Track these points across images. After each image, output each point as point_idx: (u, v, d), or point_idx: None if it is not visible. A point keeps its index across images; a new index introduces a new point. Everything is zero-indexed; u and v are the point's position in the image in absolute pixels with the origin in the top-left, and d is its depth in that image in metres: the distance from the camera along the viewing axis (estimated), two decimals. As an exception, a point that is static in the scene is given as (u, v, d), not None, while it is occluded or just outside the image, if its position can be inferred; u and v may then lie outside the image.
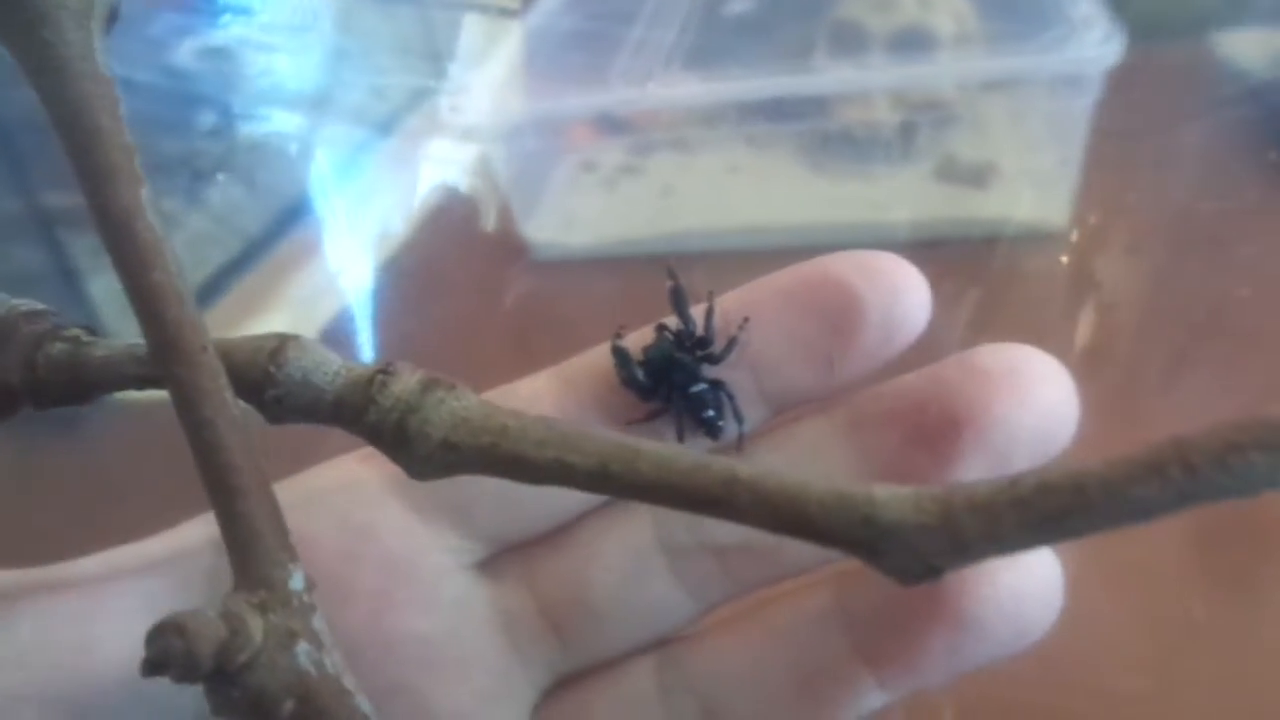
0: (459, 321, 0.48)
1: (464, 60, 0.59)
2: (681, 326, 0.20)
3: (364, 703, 0.13)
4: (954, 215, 0.49)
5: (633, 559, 0.21)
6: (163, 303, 0.13)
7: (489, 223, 0.55)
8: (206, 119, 0.58)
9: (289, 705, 0.13)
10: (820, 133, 0.50)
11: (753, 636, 0.20)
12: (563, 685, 0.22)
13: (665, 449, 0.14)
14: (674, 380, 0.20)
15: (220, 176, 0.56)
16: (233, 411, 0.14)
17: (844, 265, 0.19)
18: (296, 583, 0.14)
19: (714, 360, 0.20)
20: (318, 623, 0.13)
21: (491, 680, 0.21)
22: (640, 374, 0.20)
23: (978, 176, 0.49)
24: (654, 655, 0.21)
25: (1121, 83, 0.44)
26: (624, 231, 0.51)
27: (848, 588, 0.20)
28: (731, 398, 0.20)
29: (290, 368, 0.15)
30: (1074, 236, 0.47)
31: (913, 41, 0.46)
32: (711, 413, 0.20)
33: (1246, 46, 0.56)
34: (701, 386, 0.20)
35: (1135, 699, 0.29)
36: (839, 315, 0.19)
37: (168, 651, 0.12)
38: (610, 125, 0.53)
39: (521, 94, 0.52)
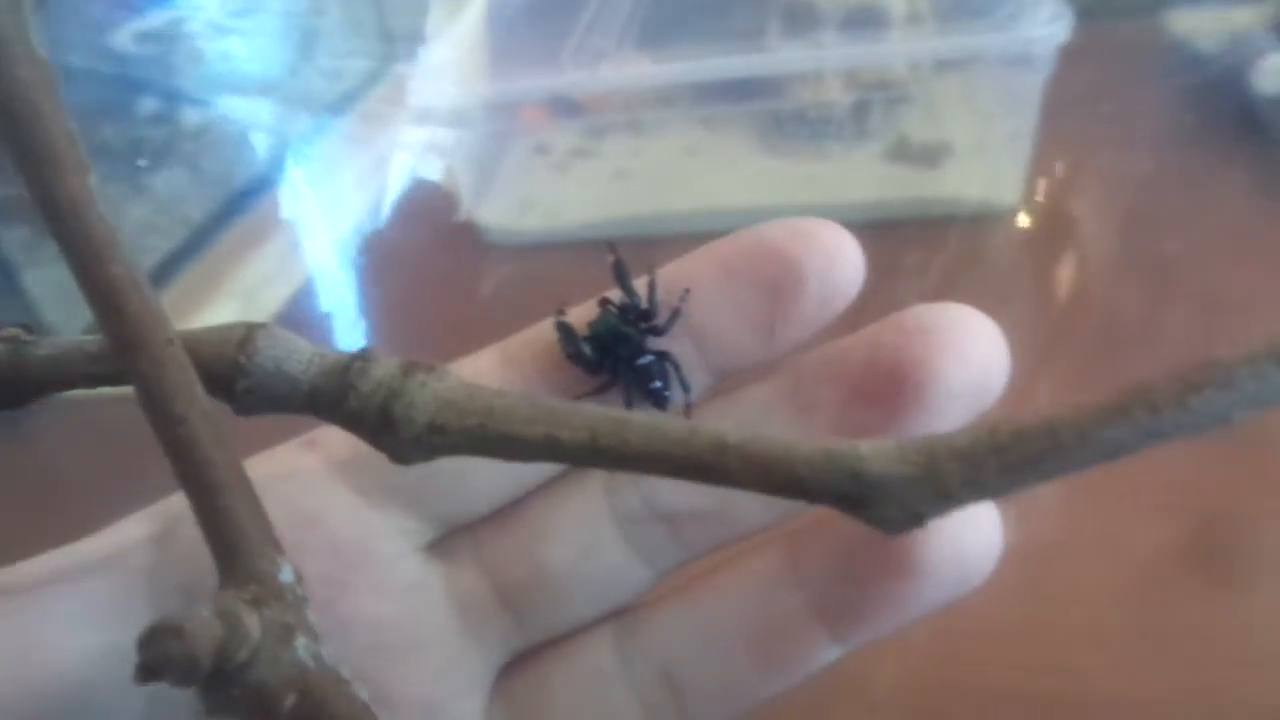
0: (411, 306, 0.47)
1: (419, 43, 0.58)
2: (625, 300, 0.21)
3: (361, 691, 0.13)
4: (908, 195, 0.49)
5: (586, 531, 0.21)
6: (123, 296, 0.13)
7: (442, 207, 0.54)
8: (148, 105, 0.57)
9: (290, 700, 0.12)
10: (774, 114, 0.50)
11: (707, 600, 0.21)
12: (519, 661, 0.21)
13: (653, 419, 0.14)
14: (619, 353, 0.20)
15: (162, 163, 0.55)
16: (205, 405, 0.13)
17: (781, 233, 0.19)
18: (286, 575, 0.13)
19: (658, 332, 0.20)
20: (311, 615, 0.13)
21: (448, 662, 0.21)
22: (585, 348, 0.20)
23: (931, 156, 0.49)
24: (611, 625, 0.21)
25: (1073, 60, 0.45)
26: (578, 215, 0.50)
27: (798, 547, 0.20)
28: (677, 368, 0.20)
29: (261, 357, 0.14)
30: (1026, 214, 0.48)
31: (864, 20, 0.46)
32: (658, 384, 0.20)
33: (1198, 24, 0.56)
34: (647, 358, 0.20)
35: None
36: (779, 282, 0.19)
37: (166, 655, 0.11)
38: (563, 107, 0.52)
39: (479, 75, 0.51)
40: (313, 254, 0.53)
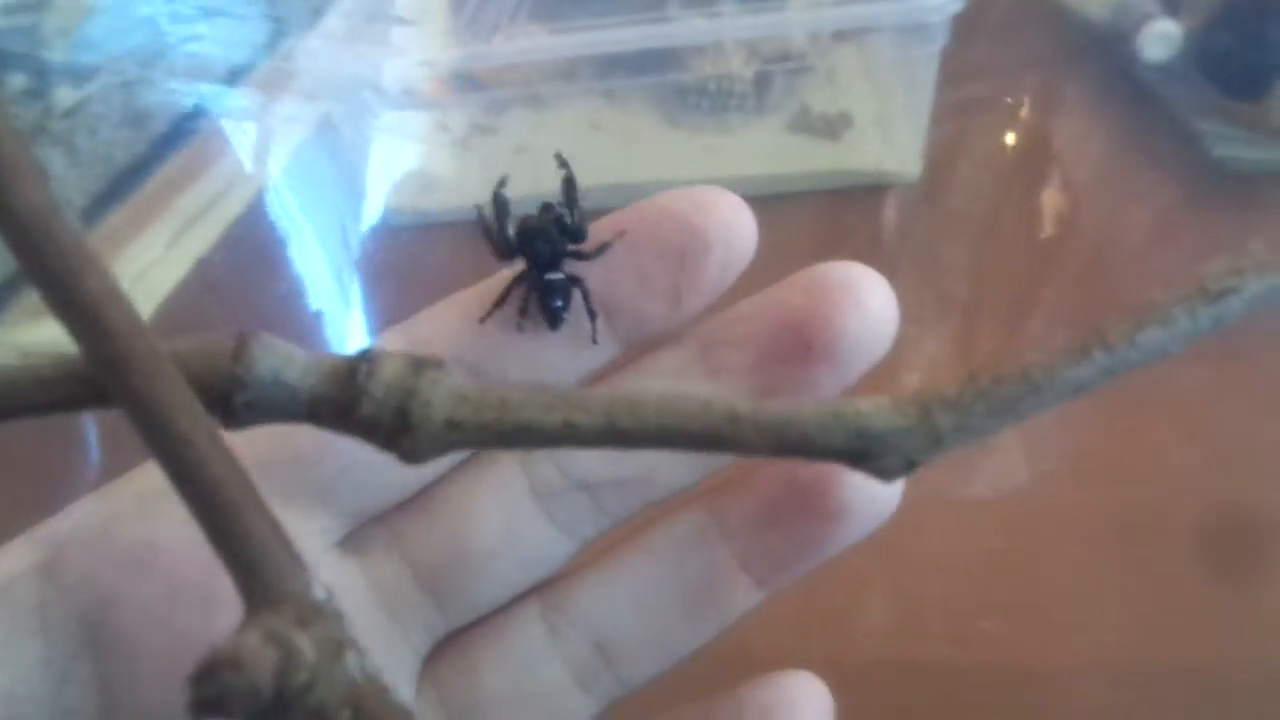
0: (302, 291, 0.46)
1: (308, 15, 0.56)
2: (563, 215, 0.21)
3: (401, 696, 0.13)
4: (810, 166, 0.49)
5: (505, 508, 0.21)
6: (105, 312, 0.11)
7: (338, 184, 0.52)
8: (17, 80, 0.54)
9: (345, 716, 0.12)
10: (676, 86, 0.49)
11: (633, 563, 0.21)
12: (445, 645, 0.21)
13: (664, 395, 0.14)
14: (537, 255, 0.21)
15: (34, 144, 0.52)
16: (209, 423, 0.12)
17: (683, 202, 0.20)
18: (319, 591, 0.13)
19: (581, 256, 0.20)
20: (350, 627, 0.13)
21: (373, 657, 0.20)
22: (509, 233, 0.21)
23: (832, 127, 0.49)
24: (535, 600, 0.21)
25: (967, 29, 0.45)
26: (481, 193, 0.49)
27: (720, 502, 0.21)
28: (586, 295, 0.20)
29: (259, 368, 0.13)
30: (925, 182, 0.48)
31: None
32: (560, 303, 0.20)
33: (1086, -8, 0.58)
34: (559, 275, 0.20)
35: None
36: (684, 250, 0.20)
37: (226, 688, 0.11)
38: (462, 82, 0.51)
39: (368, 50, 0.49)
40: (201, 238, 0.51)
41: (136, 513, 0.18)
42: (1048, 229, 0.47)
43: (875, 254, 0.46)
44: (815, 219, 0.48)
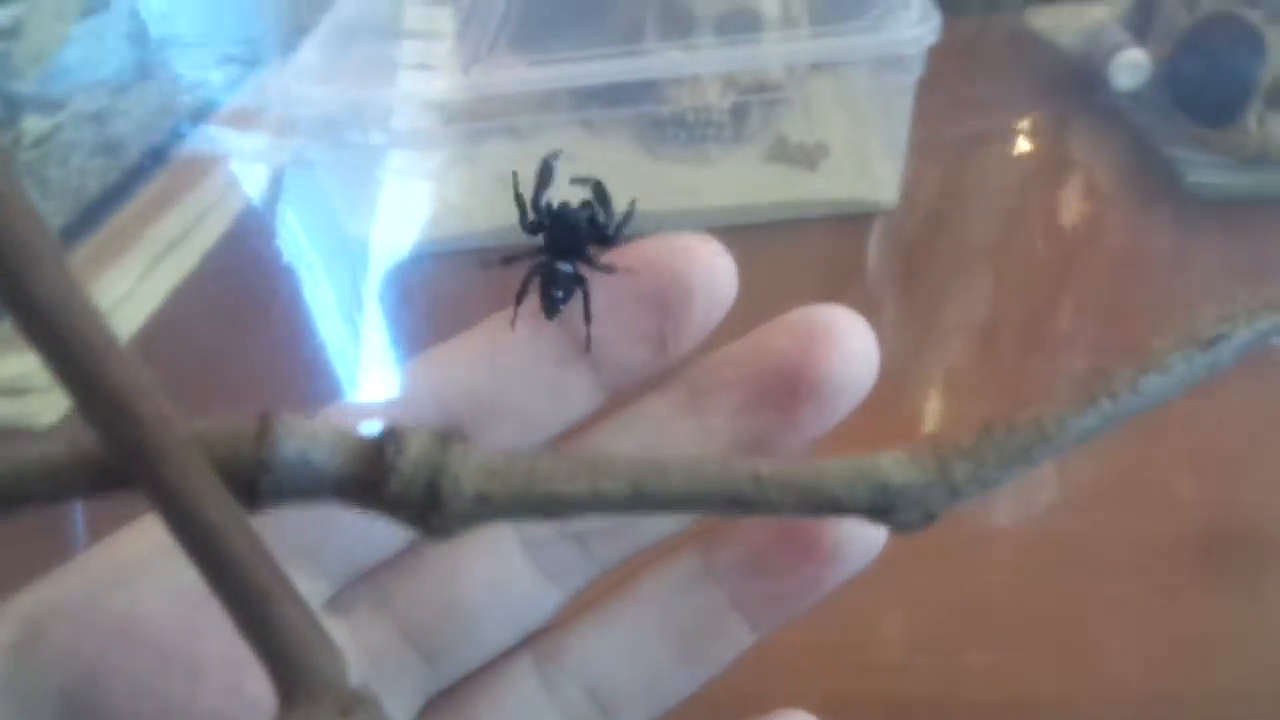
0: (277, 322, 0.45)
1: (282, 47, 0.55)
2: (594, 210, 0.21)
3: None
4: (788, 195, 0.49)
5: (494, 561, 0.20)
6: (131, 404, 0.11)
7: (312, 215, 0.52)
8: (-15, 111, 0.53)
9: None
10: (654, 117, 0.49)
11: (625, 610, 0.21)
12: (437, 701, 0.21)
13: (687, 458, 0.14)
14: (556, 240, 0.21)
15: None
16: (237, 510, 0.12)
17: (662, 250, 0.20)
18: (354, 676, 0.12)
19: (596, 264, 0.21)
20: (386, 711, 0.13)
21: None
22: (540, 204, 0.21)
23: (809, 156, 0.49)
24: (528, 651, 0.21)
25: (942, 57, 0.45)
26: (459, 225, 0.49)
27: (711, 546, 0.21)
28: (587, 296, 0.20)
29: (284, 449, 0.13)
30: (903, 210, 0.48)
31: (739, 24, 0.46)
32: (560, 294, 0.20)
33: (1057, 20, 0.58)
34: (569, 268, 0.21)
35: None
36: (667, 298, 0.20)
37: None
38: (439, 113, 0.51)
39: (341, 80, 0.49)
40: (175, 268, 0.50)
41: (117, 584, 0.17)
42: (1025, 257, 0.47)
43: (854, 282, 0.46)
44: (794, 248, 0.48)
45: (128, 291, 0.48)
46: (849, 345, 0.19)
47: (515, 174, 0.22)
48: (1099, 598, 0.32)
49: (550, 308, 0.20)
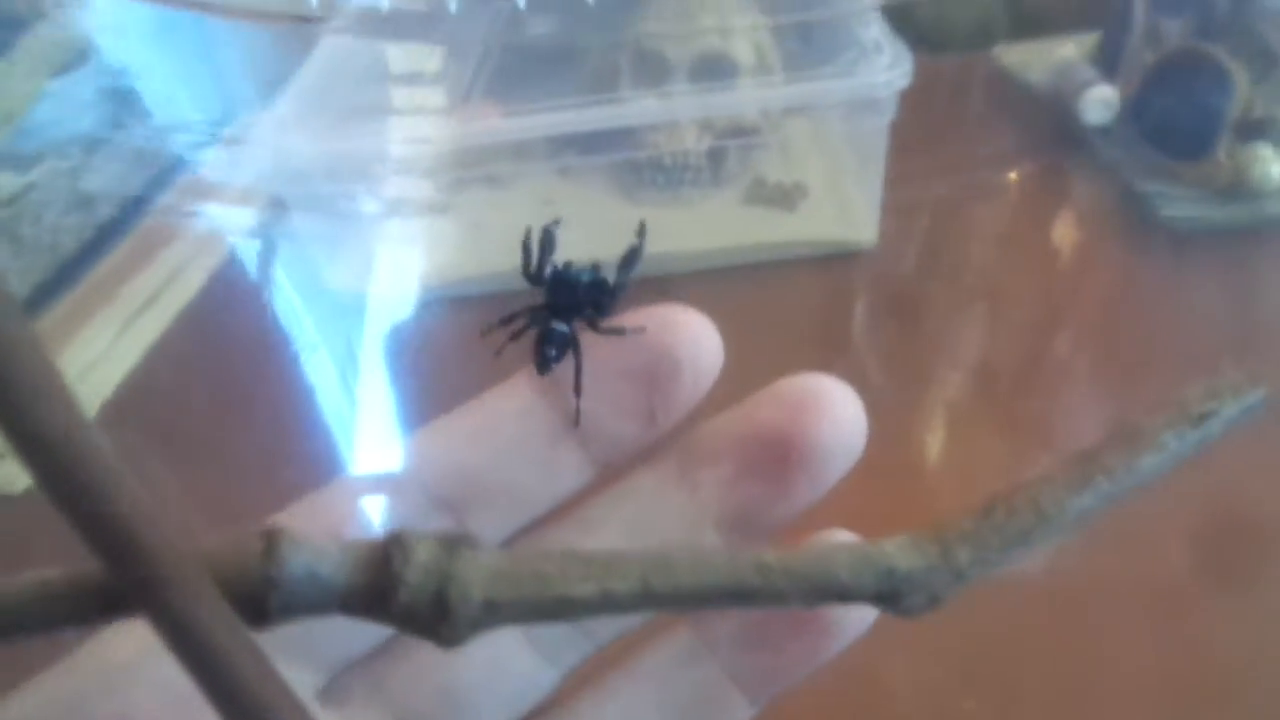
0: (254, 377, 0.45)
1: (254, 98, 0.55)
2: (598, 274, 0.22)
3: None
4: (767, 237, 0.49)
5: (490, 643, 0.20)
6: (138, 533, 0.11)
7: (289, 267, 0.51)
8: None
9: None
10: (631, 162, 0.49)
11: (623, 687, 0.21)
12: None
13: (691, 552, 0.14)
14: (557, 298, 0.21)
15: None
16: (245, 634, 0.12)
17: (648, 322, 0.20)
18: None
19: (593, 326, 0.21)
20: None
21: None
22: (544, 269, 0.22)
23: (786, 198, 0.50)
24: None
25: (914, 95, 0.46)
26: (435, 274, 0.49)
27: (707, 620, 0.21)
28: (579, 368, 0.20)
29: (292, 566, 0.13)
30: (881, 250, 0.49)
31: (713, 69, 0.46)
32: (553, 352, 0.21)
33: (1026, 57, 0.59)
34: (565, 328, 0.21)
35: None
36: (654, 370, 0.20)
37: None
38: (415, 160, 0.51)
39: (318, 132, 0.49)
40: (151, 326, 0.50)
41: (106, 688, 0.17)
42: (1004, 293, 0.48)
43: (835, 322, 0.46)
44: (775, 289, 0.48)
45: (103, 350, 0.48)
46: (838, 413, 0.20)
47: (529, 228, 0.22)
48: (1098, 642, 0.32)
49: (542, 365, 0.21)
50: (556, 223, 0.22)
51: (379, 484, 0.21)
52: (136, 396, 0.45)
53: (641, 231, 0.22)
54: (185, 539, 0.11)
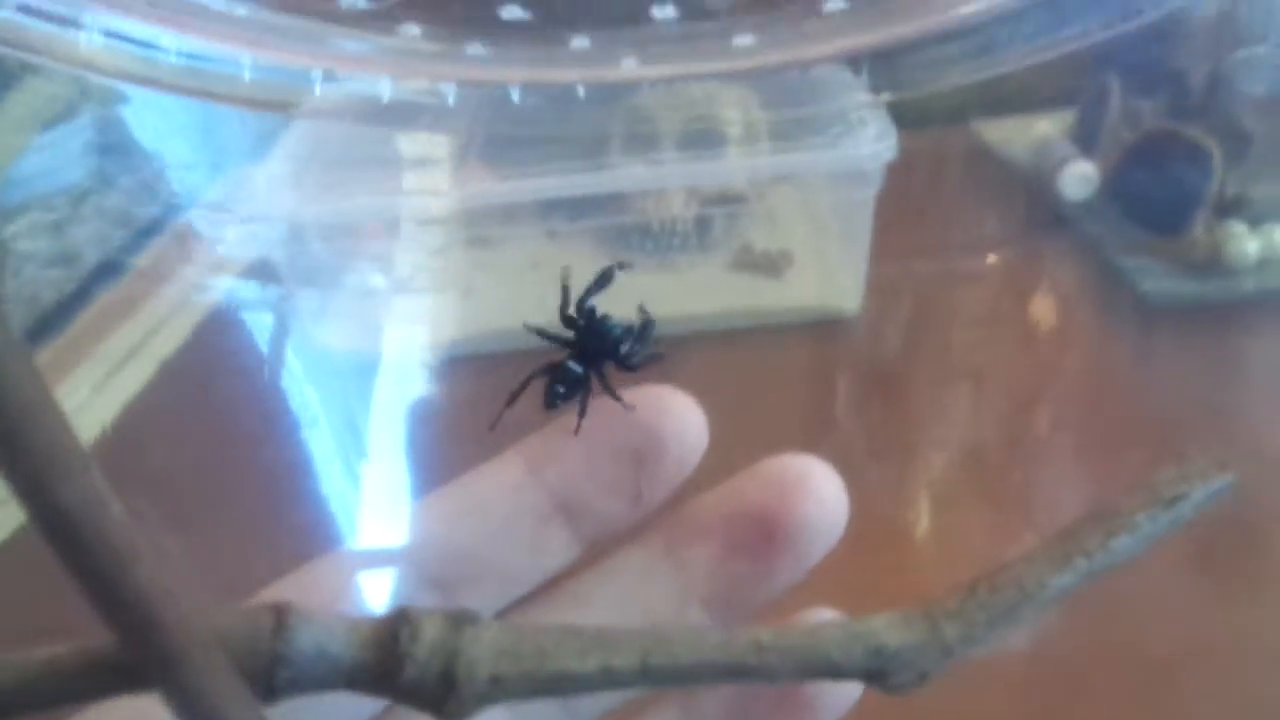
0: (239, 439, 0.44)
1: (246, 152, 0.56)
2: (627, 327, 0.23)
3: None
4: (754, 304, 0.50)
5: None
6: (154, 604, 0.11)
7: (273, 324, 0.51)
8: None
9: None
10: (619, 227, 0.50)
11: None
12: None
13: (689, 630, 0.15)
14: (581, 339, 0.23)
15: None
16: (257, 708, 0.12)
17: (635, 401, 0.21)
18: None
19: (627, 364, 0.22)
20: None
21: None
22: (572, 317, 0.23)
23: (774, 265, 0.50)
24: None
25: (900, 170, 0.47)
26: (424, 335, 0.49)
27: (692, 698, 0.21)
28: (584, 405, 0.21)
29: (300, 642, 0.13)
30: (866, 319, 0.49)
31: (702, 138, 0.47)
32: (561, 389, 0.22)
33: (1005, 133, 0.61)
34: (580, 369, 0.22)
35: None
36: (641, 449, 0.21)
37: None
38: (404, 223, 0.51)
39: (307, 193, 0.49)
40: (131, 380, 0.49)
41: None
42: (984, 362, 0.48)
43: (820, 389, 0.47)
44: (760, 355, 0.48)
45: (82, 404, 0.47)
46: (820, 493, 0.20)
47: (566, 267, 0.24)
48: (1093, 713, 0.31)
49: (550, 400, 0.22)
50: (624, 265, 0.24)
51: (370, 560, 0.21)
52: (115, 451, 0.44)
53: (645, 309, 0.24)
54: (198, 612, 0.11)
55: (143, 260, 0.57)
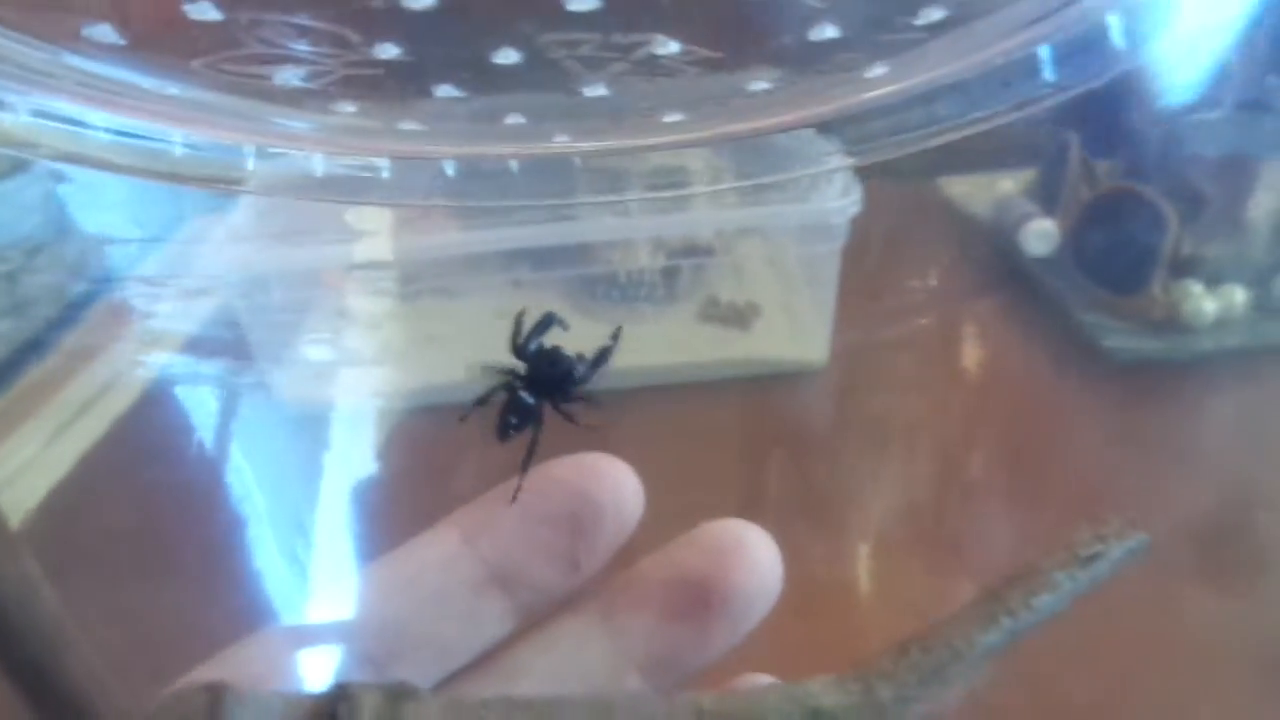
0: (193, 490, 0.43)
1: (204, 201, 0.55)
2: (574, 361, 0.23)
3: None
4: (720, 355, 0.50)
5: None
6: (86, 693, 0.10)
7: (233, 374, 0.50)
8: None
9: None
10: (585, 277, 0.50)
11: None
12: None
13: (631, 697, 0.15)
14: (534, 370, 0.23)
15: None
16: None
17: (570, 471, 0.21)
18: None
19: (565, 386, 0.22)
20: None
21: None
22: (523, 348, 0.23)
23: (740, 317, 0.50)
24: None
25: (865, 224, 0.47)
26: (384, 383, 0.48)
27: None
28: (537, 436, 0.21)
29: None
30: (831, 371, 0.49)
31: (668, 180, 0.47)
32: (514, 420, 0.22)
33: (968, 190, 0.62)
34: (530, 401, 0.22)
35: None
36: (578, 519, 0.21)
37: None
38: (367, 271, 0.50)
39: (269, 240, 0.48)
40: (85, 433, 0.48)
41: None
42: (947, 419, 0.48)
43: (785, 441, 0.46)
44: (726, 406, 0.48)
45: (31, 458, 0.46)
46: (756, 558, 0.21)
47: (524, 309, 0.25)
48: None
49: (502, 431, 0.22)
50: (560, 321, 0.24)
51: (306, 635, 0.20)
52: (64, 507, 0.43)
53: (616, 335, 0.23)
54: (130, 699, 0.11)
55: (97, 312, 0.56)
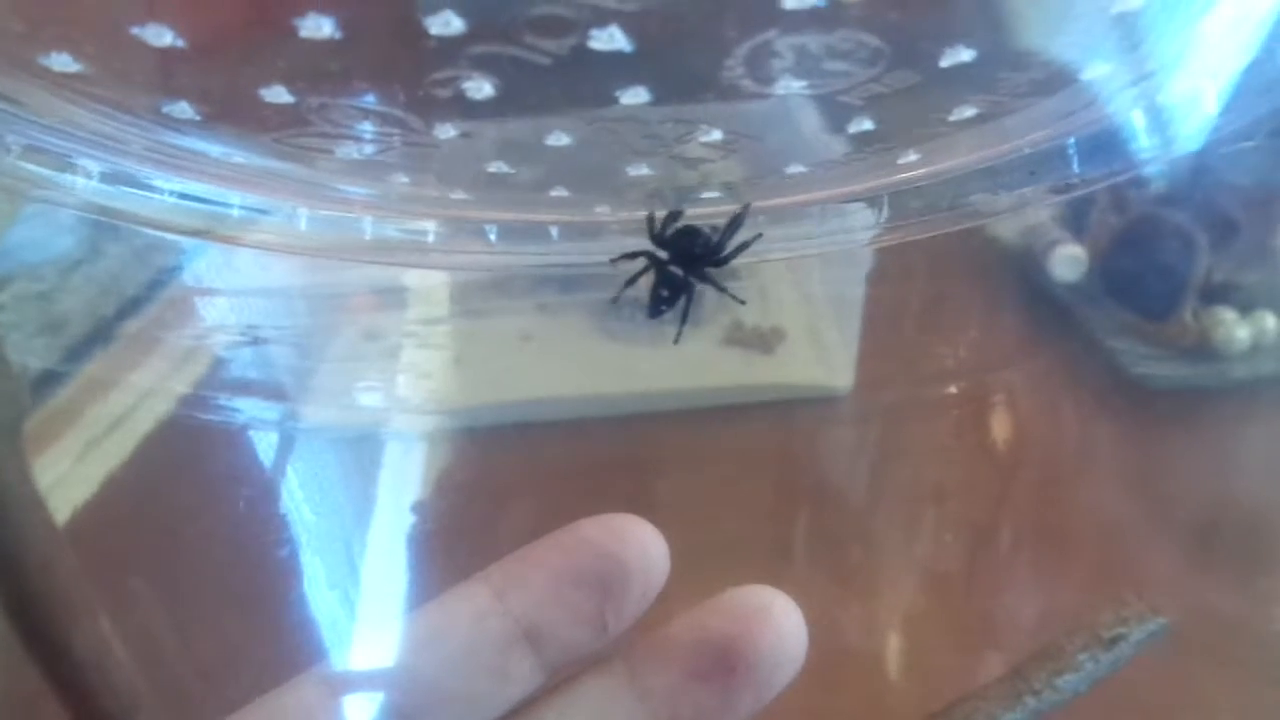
0: (221, 511, 0.43)
1: (234, 225, 0.56)
2: (714, 239, 0.25)
3: None
4: (745, 380, 0.50)
5: None
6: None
7: (258, 398, 0.51)
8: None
9: None
10: (610, 301, 0.50)
11: None
12: None
13: None
14: (676, 246, 0.25)
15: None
16: None
17: (598, 532, 0.21)
18: None
19: (716, 256, 0.25)
20: None
21: None
22: (665, 230, 0.25)
23: (765, 342, 0.50)
24: None
25: (892, 249, 0.47)
26: (410, 406, 0.48)
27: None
28: (690, 301, 0.25)
29: None
30: (858, 396, 0.49)
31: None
32: (665, 293, 0.24)
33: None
34: (681, 273, 0.24)
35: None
36: (605, 578, 0.21)
37: None
38: (394, 293, 0.51)
39: (296, 262, 0.49)
40: (113, 452, 0.48)
41: None
42: (978, 445, 0.48)
43: (810, 467, 0.46)
44: (751, 431, 0.48)
45: (61, 476, 0.46)
46: (781, 624, 0.21)
47: (651, 211, 0.26)
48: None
49: (655, 307, 0.24)
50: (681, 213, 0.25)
51: (338, 685, 0.21)
52: (92, 526, 0.43)
53: (746, 207, 0.25)
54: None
55: (128, 329, 0.57)
